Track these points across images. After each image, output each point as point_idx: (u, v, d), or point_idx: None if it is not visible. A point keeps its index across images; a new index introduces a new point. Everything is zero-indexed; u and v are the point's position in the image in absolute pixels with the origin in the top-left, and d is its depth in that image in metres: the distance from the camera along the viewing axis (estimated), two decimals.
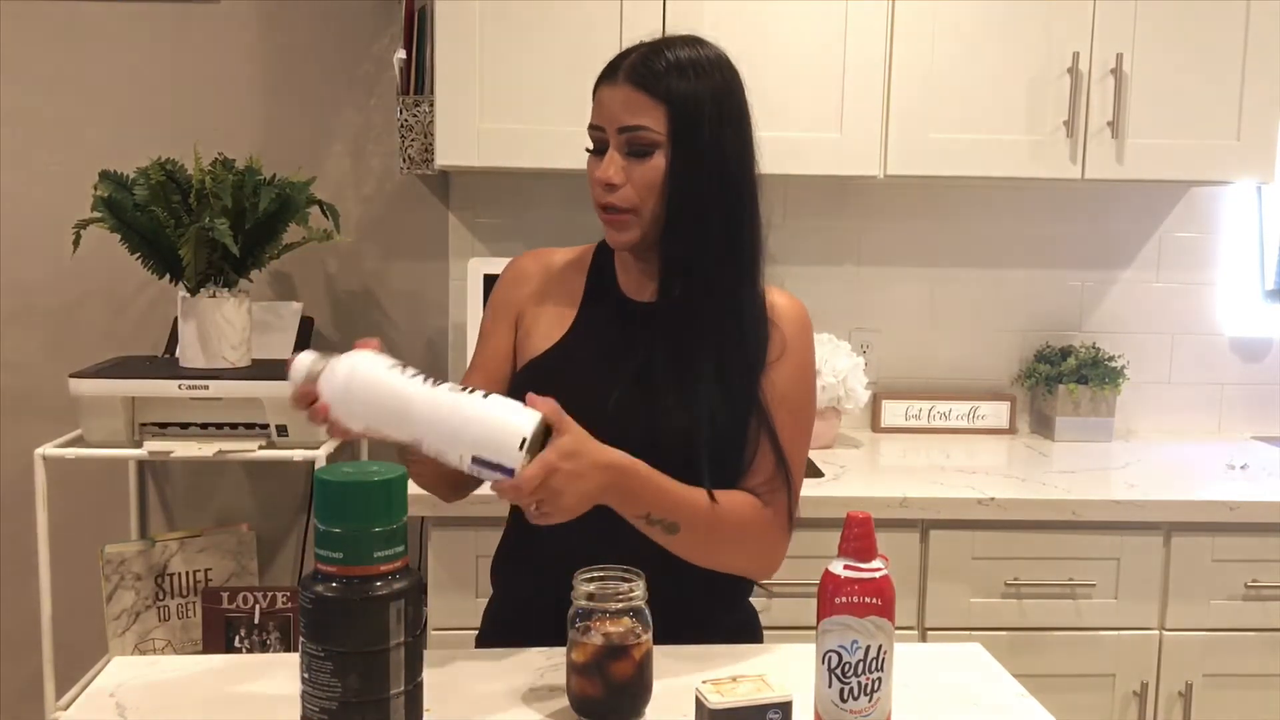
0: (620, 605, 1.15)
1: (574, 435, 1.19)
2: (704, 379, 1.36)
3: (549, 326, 1.47)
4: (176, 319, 2.32)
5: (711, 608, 1.45)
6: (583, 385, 1.35)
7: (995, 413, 2.71)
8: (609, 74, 1.38)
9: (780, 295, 1.47)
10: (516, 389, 1.27)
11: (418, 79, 2.43)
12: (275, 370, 2.28)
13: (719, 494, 1.34)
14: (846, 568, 1.09)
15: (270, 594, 2.34)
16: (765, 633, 1.80)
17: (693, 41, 1.39)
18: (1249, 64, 2.36)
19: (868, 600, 1.08)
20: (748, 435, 1.39)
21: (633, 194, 1.36)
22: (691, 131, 1.34)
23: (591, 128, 1.39)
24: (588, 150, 1.40)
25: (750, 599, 1.54)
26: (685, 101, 1.34)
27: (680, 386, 1.36)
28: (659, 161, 1.34)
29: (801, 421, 1.44)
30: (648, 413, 1.36)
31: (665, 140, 1.34)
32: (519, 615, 1.47)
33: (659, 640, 1.19)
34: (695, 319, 1.38)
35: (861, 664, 1.08)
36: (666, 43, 1.38)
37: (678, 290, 1.38)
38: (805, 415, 1.45)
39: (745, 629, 1.52)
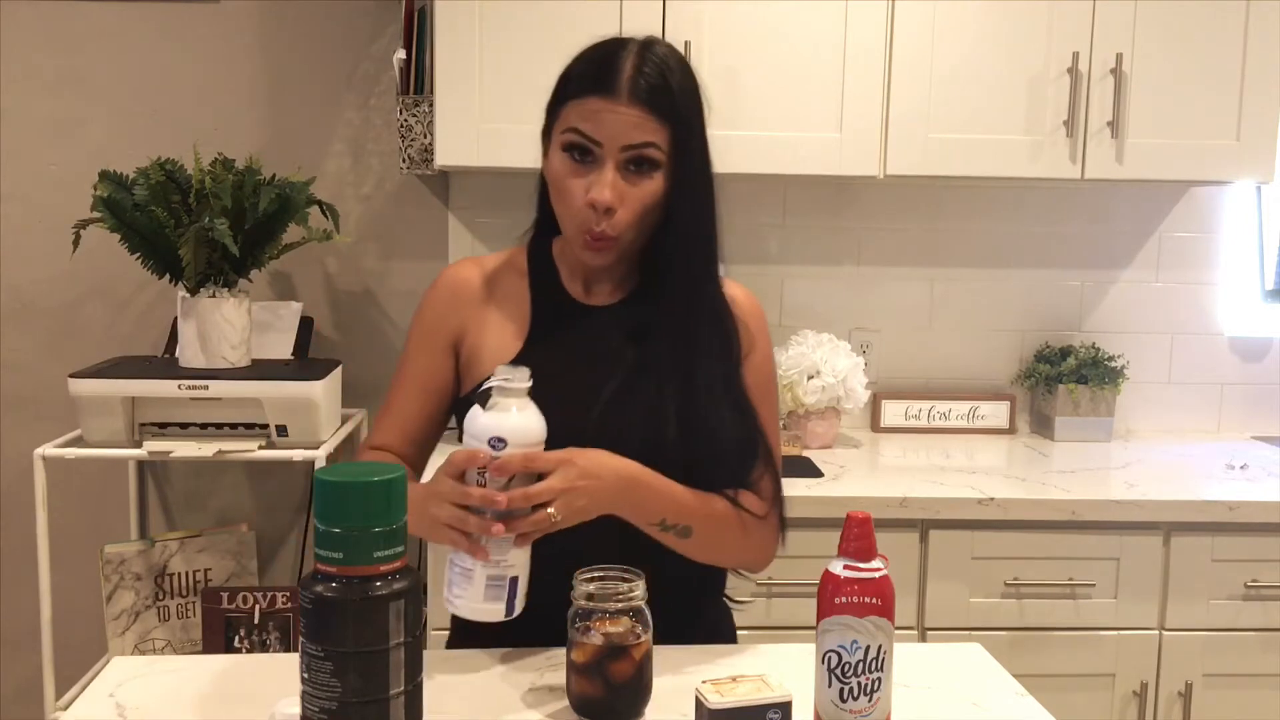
0: (620, 605, 1.15)
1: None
2: (688, 381, 1.35)
3: (500, 341, 1.41)
4: (176, 319, 2.32)
5: (688, 608, 1.44)
6: (560, 398, 1.29)
7: (995, 413, 2.71)
8: (604, 88, 1.30)
9: (735, 287, 1.46)
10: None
11: (418, 79, 2.43)
12: (274, 370, 2.28)
13: (722, 494, 1.35)
14: (846, 568, 1.09)
15: (270, 594, 2.34)
16: (765, 633, 1.81)
17: (665, 45, 1.36)
18: (1249, 64, 2.36)
19: (867, 600, 1.08)
20: (735, 433, 1.38)
21: (625, 217, 1.31)
22: (689, 148, 1.32)
23: (577, 134, 1.31)
24: (566, 152, 1.32)
25: (725, 597, 1.53)
26: (687, 119, 1.32)
27: (665, 392, 1.35)
28: (658, 180, 1.32)
29: (775, 411, 1.48)
30: (636, 422, 1.34)
31: (666, 159, 1.31)
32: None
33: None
34: (667, 319, 1.36)
35: (861, 664, 1.08)
36: (655, 53, 1.33)
37: (647, 292, 1.38)
38: (775, 404, 1.49)
39: (720, 628, 1.52)
